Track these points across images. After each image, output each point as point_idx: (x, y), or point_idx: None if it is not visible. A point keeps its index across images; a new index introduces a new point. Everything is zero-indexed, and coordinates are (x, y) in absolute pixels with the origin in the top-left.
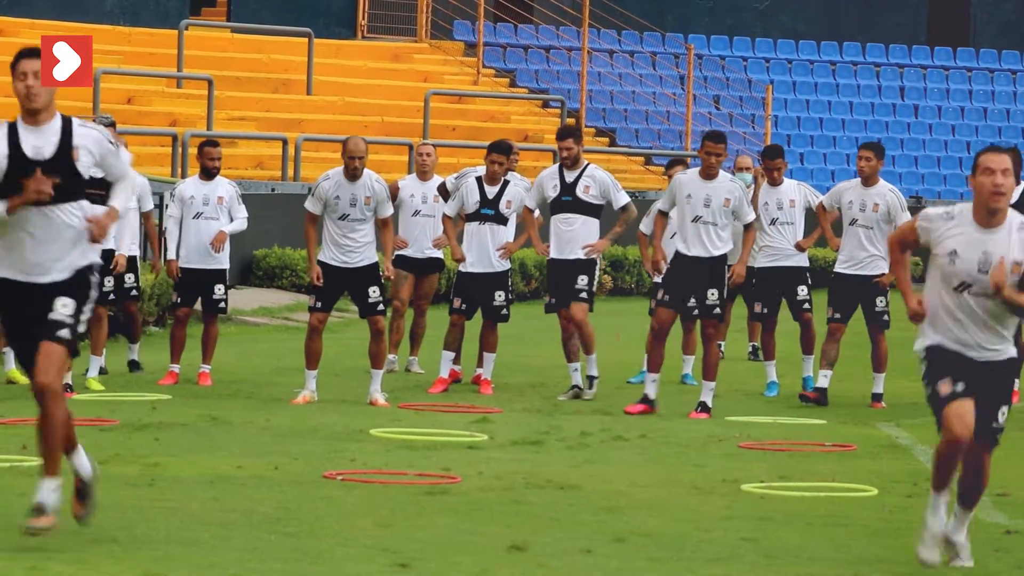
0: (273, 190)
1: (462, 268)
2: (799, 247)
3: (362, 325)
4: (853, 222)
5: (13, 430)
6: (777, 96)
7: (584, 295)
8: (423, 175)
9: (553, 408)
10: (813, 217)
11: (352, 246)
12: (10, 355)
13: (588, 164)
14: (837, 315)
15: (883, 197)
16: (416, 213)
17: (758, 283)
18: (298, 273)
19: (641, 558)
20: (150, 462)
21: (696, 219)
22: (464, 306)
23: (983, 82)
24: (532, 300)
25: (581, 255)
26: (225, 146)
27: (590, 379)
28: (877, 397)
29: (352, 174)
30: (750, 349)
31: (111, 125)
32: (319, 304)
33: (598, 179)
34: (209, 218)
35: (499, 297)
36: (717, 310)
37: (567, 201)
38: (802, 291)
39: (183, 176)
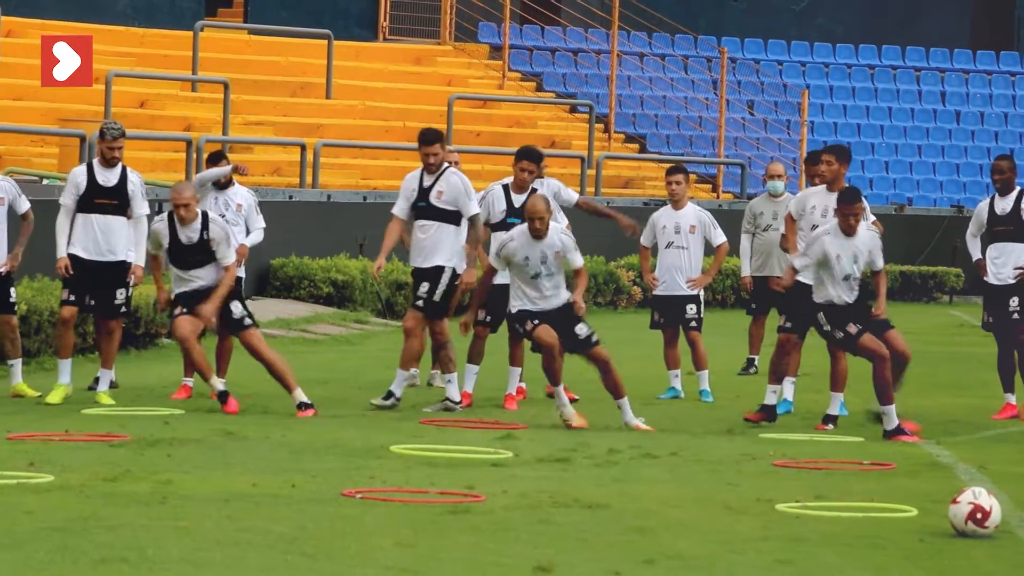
0: (291, 197)
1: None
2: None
3: (384, 336)
4: (813, 228)
5: (20, 446)
6: (813, 101)
7: (420, 303)
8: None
9: None
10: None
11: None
12: (17, 368)
13: (447, 167)
14: (788, 324)
15: None
16: None
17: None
18: (316, 283)
19: None
20: (162, 479)
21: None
22: (488, 318)
23: None
24: None
25: (433, 263)
26: (241, 151)
27: (396, 389)
28: (829, 419)
29: (536, 234)
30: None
31: (122, 135)
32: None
33: (451, 183)
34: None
35: None
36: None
37: (422, 207)
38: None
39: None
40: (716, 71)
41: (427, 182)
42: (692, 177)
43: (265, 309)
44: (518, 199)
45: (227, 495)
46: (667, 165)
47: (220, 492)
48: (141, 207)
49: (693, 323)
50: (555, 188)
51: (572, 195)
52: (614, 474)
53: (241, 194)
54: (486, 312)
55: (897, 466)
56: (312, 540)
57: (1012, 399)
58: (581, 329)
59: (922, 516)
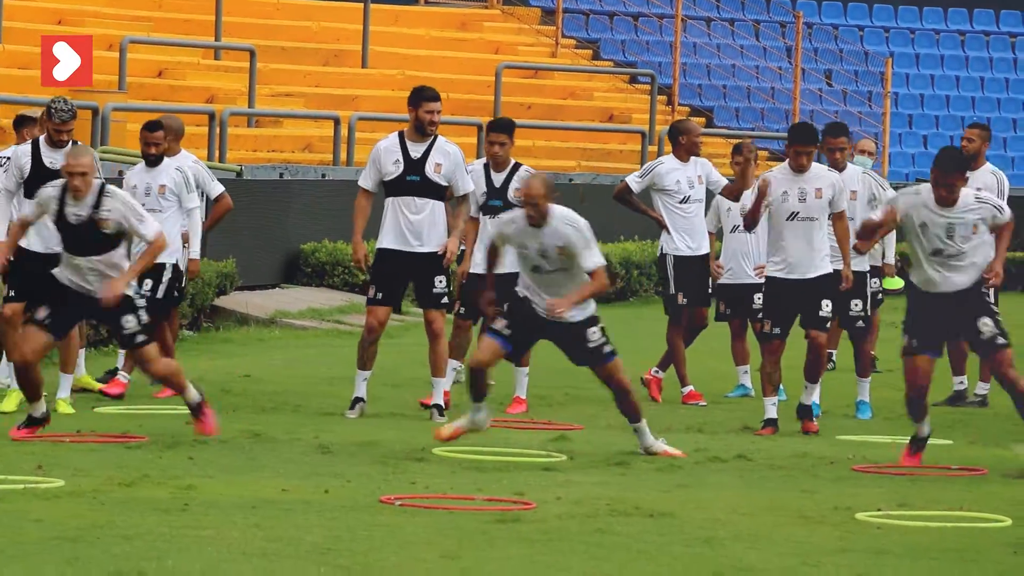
0: (323, 176)
1: (472, 269)
2: (856, 249)
3: (422, 330)
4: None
5: (27, 447)
6: (897, 71)
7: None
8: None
9: None
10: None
11: None
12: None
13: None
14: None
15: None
16: None
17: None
18: (351, 270)
19: None
20: (183, 484)
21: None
22: (464, 310)
23: None
24: (617, 302)
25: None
26: (269, 126)
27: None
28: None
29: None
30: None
31: (72, 118)
32: None
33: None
34: (151, 210)
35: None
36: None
37: (414, 182)
38: (855, 305)
39: (220, 160)
40: (790, 37)
41: (416, 152)
42: (763, 155)
43: (295, 298)
44: (497, 178)
45: (254, 501)
46: (736, 141)
47: (247, 498)
48: None
49: (761, 314)
50: (707, 169)
51: (720, 179)
52: (678, 479)
53: (167, 173)
54: (462, 303)
55: (989, 471)
56: (347, 551)
57: None
58: (593, 335)
59: (1016, 526)
